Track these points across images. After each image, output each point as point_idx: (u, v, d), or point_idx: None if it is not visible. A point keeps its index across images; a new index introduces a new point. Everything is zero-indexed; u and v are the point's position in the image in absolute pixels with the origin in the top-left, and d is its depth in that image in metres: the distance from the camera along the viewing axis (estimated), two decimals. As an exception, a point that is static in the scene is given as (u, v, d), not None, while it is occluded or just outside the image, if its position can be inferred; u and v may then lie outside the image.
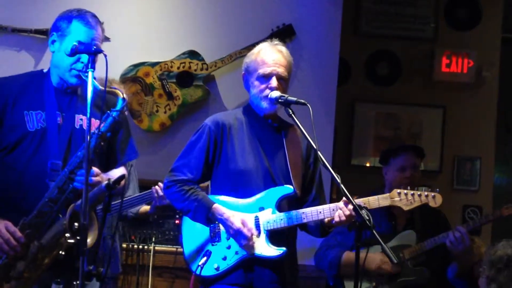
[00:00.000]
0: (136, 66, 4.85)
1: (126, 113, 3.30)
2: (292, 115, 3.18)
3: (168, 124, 4.86)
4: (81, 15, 3.14)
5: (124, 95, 3.05)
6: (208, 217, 3.20)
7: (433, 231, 4.03)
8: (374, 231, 2.92)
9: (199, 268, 3.19)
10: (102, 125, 2.98)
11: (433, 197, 3.40)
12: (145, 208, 4.11)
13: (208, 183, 3.38)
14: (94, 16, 3.17)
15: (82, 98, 3.18)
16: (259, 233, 3.20)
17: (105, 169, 3.18)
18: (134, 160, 4.09)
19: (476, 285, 3.75)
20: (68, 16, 3.14)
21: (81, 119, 3.16)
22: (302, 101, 3.17)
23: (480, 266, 2.75)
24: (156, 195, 3.87)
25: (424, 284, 4.03)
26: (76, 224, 2.75)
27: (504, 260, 2.66)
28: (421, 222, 4.09)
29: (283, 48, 3.32)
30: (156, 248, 4.57)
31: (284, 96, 3.21)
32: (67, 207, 2.96)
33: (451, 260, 4.04)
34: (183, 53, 4.89)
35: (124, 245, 4.50)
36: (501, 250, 2.69)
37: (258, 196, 3.23)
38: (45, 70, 3.25)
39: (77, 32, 3.09)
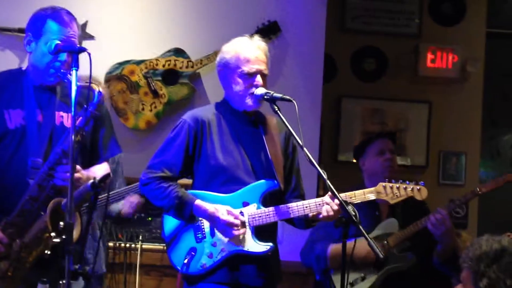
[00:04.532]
0: (121, 64, 4.84)
1: (105, 105, 3.28)
2: (278, 111, 3.17)
3: (154, 122, 4.85)
4: (55, 13, 3.11)
5: (100, 88, 3.02)
6: (191, 214, 3.16)
7: (414, 216, 4.03)
8: (360, 227, 2.93)
9: (185, 266, 3.17)
10: (78, 120, 2.95)
11: (419, 190, 3.41)
12: (124, 209, 4.09)
13: (190, 181, 3.36)
14: (69, 13, 3.14)
15: (62, 95, 3.16)
16: (245, 227, 3.18)
17: (88, 165, 3.17)
18: (121, 157, 4.08)
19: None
20: (41, 15, 3.12)
21: (62, 116, 3.15)
22: (288, 97, 3.16)
23: (463, 261, 2.75)
24: (127, 205, 3.81)
25: (410, 269, 4.03)
26: (61, 223, 2.74)
27: (490, 255, 2.66)
28: (402, 209, 4.07)
29: (262, 44, 3.29)
30: (143, 246, 4.56)
31: (269, 93, 3.20)
32: (48, 205, 2.95)
33: (435, 244, 4.04)
34: (169, 51, 4.88)
35: (111, 244, 4.49)
36: (485, 245, 2.69)
37: (241, 191, 3.21)
38: (23, 68, 3.24)
39: (51, 31, 3.07)
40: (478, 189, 4.05)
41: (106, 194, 3.81)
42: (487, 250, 2.66)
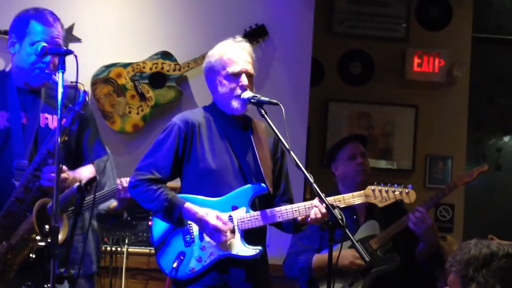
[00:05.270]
0: (108, 67, 4.82)
1: (90, 107, 3.27)
2: (265, 115, 3.17)
3: (141, 125, 4.84)
4: (38, 13, 3.10)
5: (85, 88, 3.01)
6: (180, 217, 3.16)
7: (393, 216, 4.02)
8: (346, 230, 2.93)
9: (174, 270, 3.16)
10: (64, 120, 2.93)
11: (407, 193, 3.42)
12: (114, 203, 4.06)
13: (179, 183, 3.35)
14: (52, 13, 3.13)
15: (46, 97, 3.15)
16: (234, 231, 3.18)
17: (73, 167, 3.15)
18: (110, 156, 4.08)
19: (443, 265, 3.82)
20: (25, 16, 3.11)
21: (46, 118, 3.14)
22: (275, 101, 3.16)
23: (451, 265, 2.75)
24: (120, 187, 3.77)
25: (396, 269, 4.02)
26: (47, 226, 2.73)
27: (479, 259, 2.66)
28: (380, 210, 4.03)
29: (246, 45, 3.31)
30: (129, 249, 4.54)
31: (256, 97, 3.20)
32: (34, 206, 2.94)
33: (417, 242, 4.04)
34: (156, 54, 4.87)
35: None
36: (474, 249, 2.68)
37: (230, 194, 3.21)
38: (7, 70, 3.22)
39: (35, 32, 3.06)
40: (454, 183, 4.06)
41: (92, 196, 3.81)
42: (476, 255, 2.65)
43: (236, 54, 3.24)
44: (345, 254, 3.86)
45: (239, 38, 3.33)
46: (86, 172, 3.19)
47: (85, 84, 4.14)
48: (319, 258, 3.95)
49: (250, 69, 3.26)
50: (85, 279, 4.00)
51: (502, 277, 2.58)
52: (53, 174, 2.91)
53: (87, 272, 3.99)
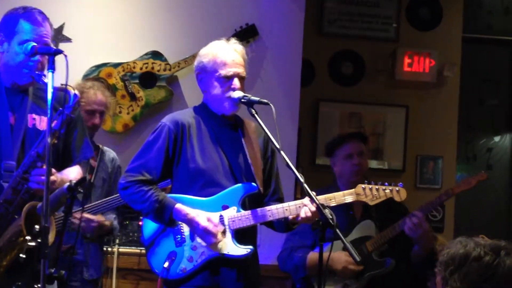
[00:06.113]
0: (99, 67, 4.81)
1: (78, 108, 3.26)
2: (255, 115, 3.17)
3: (131, 125, 4.83)
4: (27, 12, 3.09)
5: (76, 91, 3.00)
6: (171, 218, 3.15)
7: (391, 217, 4.02)
8: (337, 230, 2.93)
9: (165, 270, 3.16)
10: (54, 122, 2.92)
11: (398, 191, 3.43)
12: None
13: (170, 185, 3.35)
14: (41, 12, 3.12)
15: (34, 97, 3.13)
16: (225, 232, 3.19)
17: (60, 168, 3.14)
18: (120, 167, 4.07)
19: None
20: (14, 15, 3.10)
21: (34, 118, 3.12)
22: (265, 101, 3.16)
23: (436, 266, 2.73)
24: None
25: (390, 273, 4.02)
26: (36, 226, 2.72)
27: (455, 261, 2.62)
28: (377, 209, 4.02)
29: (239, 47, 3.30)
30: (120, 250, 4.53)
31: (247, 96, 3.20)
32: (22, 208, 2.92)
33: (412, 244, 4.04)
34: (146, 54, 4.87)
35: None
36: (453, 250, 2.65)
37: (220, 194, 3.21)
38: None
39: (24, 31, 3.04)
40: (451, 190, 4.07)
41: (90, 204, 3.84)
42: (454, 256, 2.61)
43: (228, 56, 3.23)
44: (339, 258, 3.87)
45: (233, 40, 3.32)
46: (73, 173, 3.17)
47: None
48: (314, 256, 3.95)
49: (242, 72, 3.25)
50: (92, 284, 3.99)
51: (471, 282, 2.53)
52: (42, 177, 2.89)
53: (92, 276, 3.99)
